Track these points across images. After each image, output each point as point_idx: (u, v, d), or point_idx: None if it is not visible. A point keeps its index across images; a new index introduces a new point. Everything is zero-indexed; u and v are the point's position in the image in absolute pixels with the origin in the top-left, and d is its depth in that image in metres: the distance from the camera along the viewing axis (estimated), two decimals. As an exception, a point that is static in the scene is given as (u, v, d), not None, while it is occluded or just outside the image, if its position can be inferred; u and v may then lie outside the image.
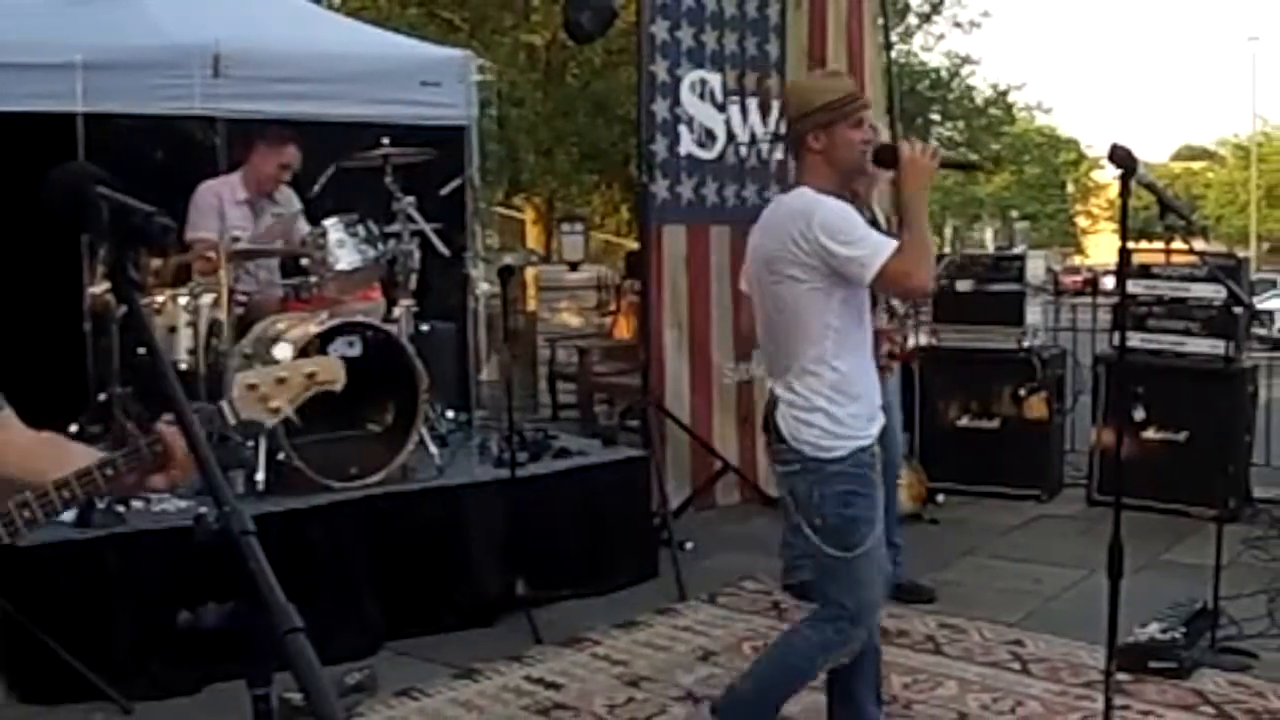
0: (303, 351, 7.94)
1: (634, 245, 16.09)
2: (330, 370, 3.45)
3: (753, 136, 11.35)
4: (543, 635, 8.00)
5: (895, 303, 9.44)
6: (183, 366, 8.27)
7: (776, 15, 11.51)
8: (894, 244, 5.29)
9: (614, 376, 14.48)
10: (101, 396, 8.72)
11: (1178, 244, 10.73)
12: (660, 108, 10.76)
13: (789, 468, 5.57)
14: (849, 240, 5.25)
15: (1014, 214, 66.26)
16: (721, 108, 11.17)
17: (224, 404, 3.25)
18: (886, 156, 5.52)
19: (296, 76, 10.77)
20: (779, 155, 11.40)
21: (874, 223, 8.78)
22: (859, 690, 5.88)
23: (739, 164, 11.29)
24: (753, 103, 11.37)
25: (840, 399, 5.44)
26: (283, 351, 3.30)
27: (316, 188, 9.63)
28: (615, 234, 33.48)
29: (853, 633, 5.52)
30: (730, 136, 11.24)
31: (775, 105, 11.39)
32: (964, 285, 11.95)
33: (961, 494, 11.62)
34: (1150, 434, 11.05)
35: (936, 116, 42.13)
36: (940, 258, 12.35)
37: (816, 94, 5.56)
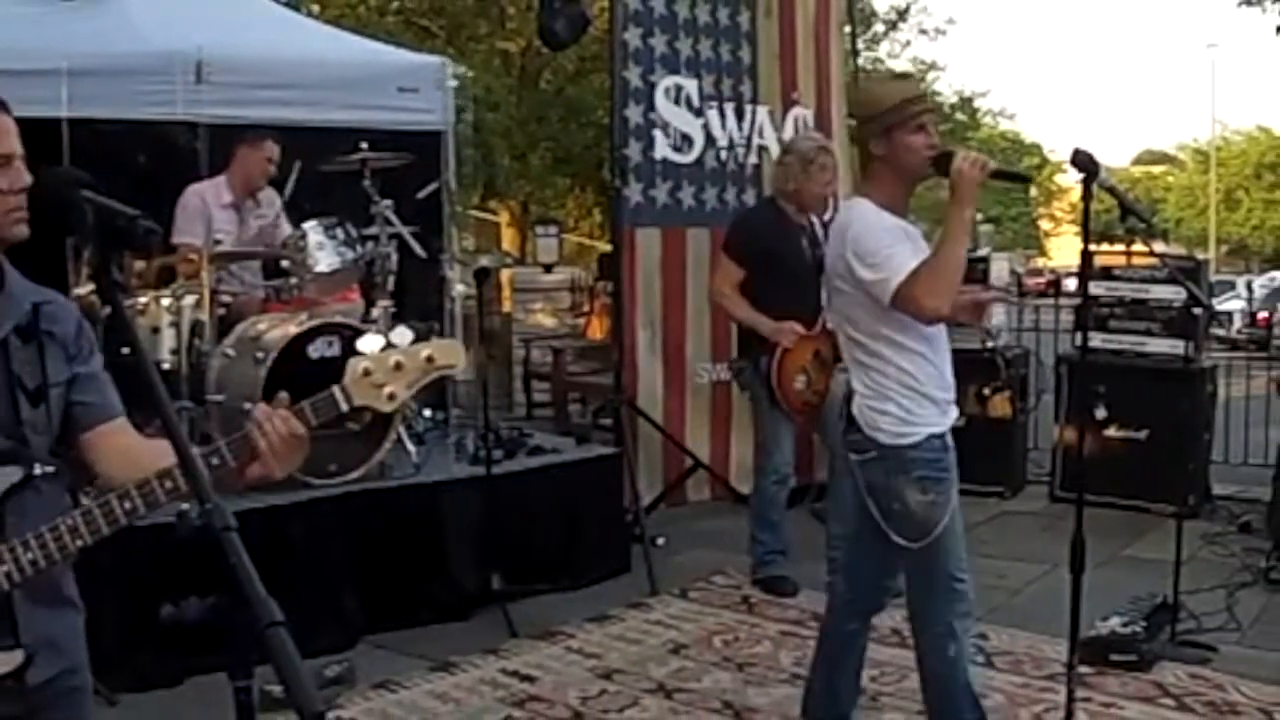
0: (284, 351, 8.00)
1: (607, 248, 16.10)
2: (450, 353, 3.26)
3: (730, 141, 11.36)
4: (518, 629, 8.02)
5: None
6: (166, 366, 8.25)
7: (747, 23, 11.52)
8: (911, 266, 5.20)
9: (587, 376, 14.49)
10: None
11: (1138, 246, 10.72)
12: (634, 113, 10.77)
13: (865, 455, 5.53)
14: (873, 263, 5.21)
15: (978, 217, 66.36)
16: (699, 113, 11.17)
17: (336, 390, 3.18)
18: (942, 164, 5.36)
19: (277, 82, 10.76)
20: (754, 160, 11.46)
21: (812, 234, 8.83)
22: (839, 682, 5.92)
23: (719, 167, 11.30)
24: (729, 108, 11.38)
25: (908, 393, 5.44)
26: (401, 335, 3.14)
27: (287, 192, 9.60)
28: (589, 237, 33.49)
29: (954, 620, 5.48)
30: (710, 140, 11.24)
31: (749, 110, 11.45)
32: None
33: (927, 491, 11.55)
34: (1111, 432, 11.08)
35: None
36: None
37: (877, 99, 5.46)
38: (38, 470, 3.01)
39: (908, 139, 5.31)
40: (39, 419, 3.06)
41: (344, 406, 3.17)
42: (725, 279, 8.82)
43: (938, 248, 5.26)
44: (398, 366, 3.17)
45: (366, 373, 3.15)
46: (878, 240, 5.23)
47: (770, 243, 8.70)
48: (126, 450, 3.16)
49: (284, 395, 3.14)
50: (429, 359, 3.20)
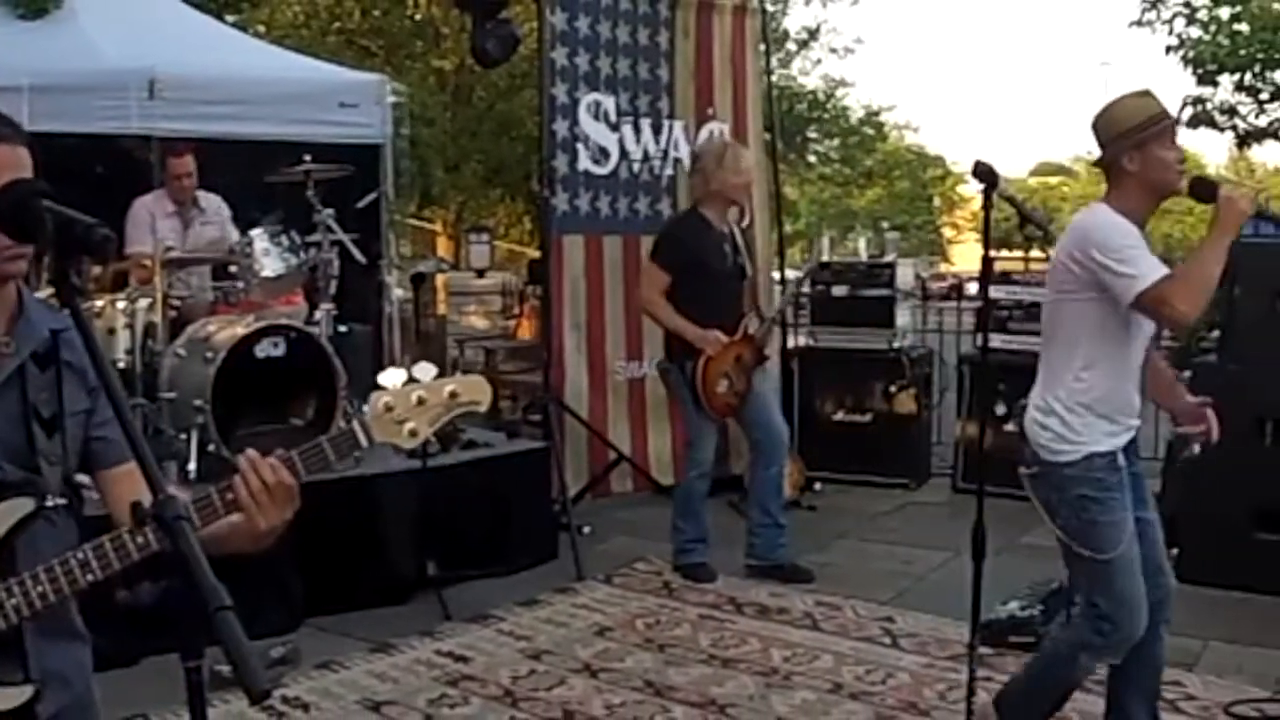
0: (233, 351, 7.98)
1: (536, 254, 16.12)
2: (475, 390, 3.04)
3: (645, 154, 11.37)
4: (452, 612, 8.02)
5: (761, 305, 9.50)
6: (121, 365, 8.28)
7: (666, 43, 11.52)
8: (1165, 270, 4.99)
9: (518, 374, 14.47)
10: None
11: (1036, 253, 10.78)
12: (560, 127, 10.77)
13: (1029, 470, 5.37)
14: (1122, 259, 4.97)
15: (885, 225, 66.31)
16: (615, 127, 11.17)
17: (357, 426, 2.97)
18: (1203, 190, 5.14)
19: (226, 98, 10.79)
20: (669, 171, 11.48)
21: (734, 241, 8.85)
22: (1130, 701, 5.55)
23: (632, 179, 11.29)
24: (645, 123, 11.39)
25: (1078, 409, 5.17)
26: (424, 371, 2.84)
27: (262, 226, 9.59)
28: (518, 243, 33.42)
29: (1113, 634, 5.18)
30: (624, 154, 11.24)
31: (666, 125, 11.48)
32: (839, 290, 12.00)
33: (837, 482, 11.68)
34: (1010, 427, 11.00)
35: (814, 135, 42.35)
36: (823, 265, 12.45)
37: (1127, 115, 5.24)
38: (50, 502, 2.90)
39: (1161, 154, 5.13)
40: (53, 450, 2.94)
41: (364, 443, 2.98)
42: (653, 286, 8.79)
43: (1197, 259, 5.05)
44: (420, 402, 2.97)
45: (388, 408, 2.96)
46: (1124, 238, 5.05)
47: (696, 251, 8.68)
48: (143, 495, 3.03)
49: (280, 452, 2.94)
50: (453, 394, 3.01)
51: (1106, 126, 5.24)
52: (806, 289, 11.98)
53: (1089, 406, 5.17)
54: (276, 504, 2.89)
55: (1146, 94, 5.33)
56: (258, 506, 2.88)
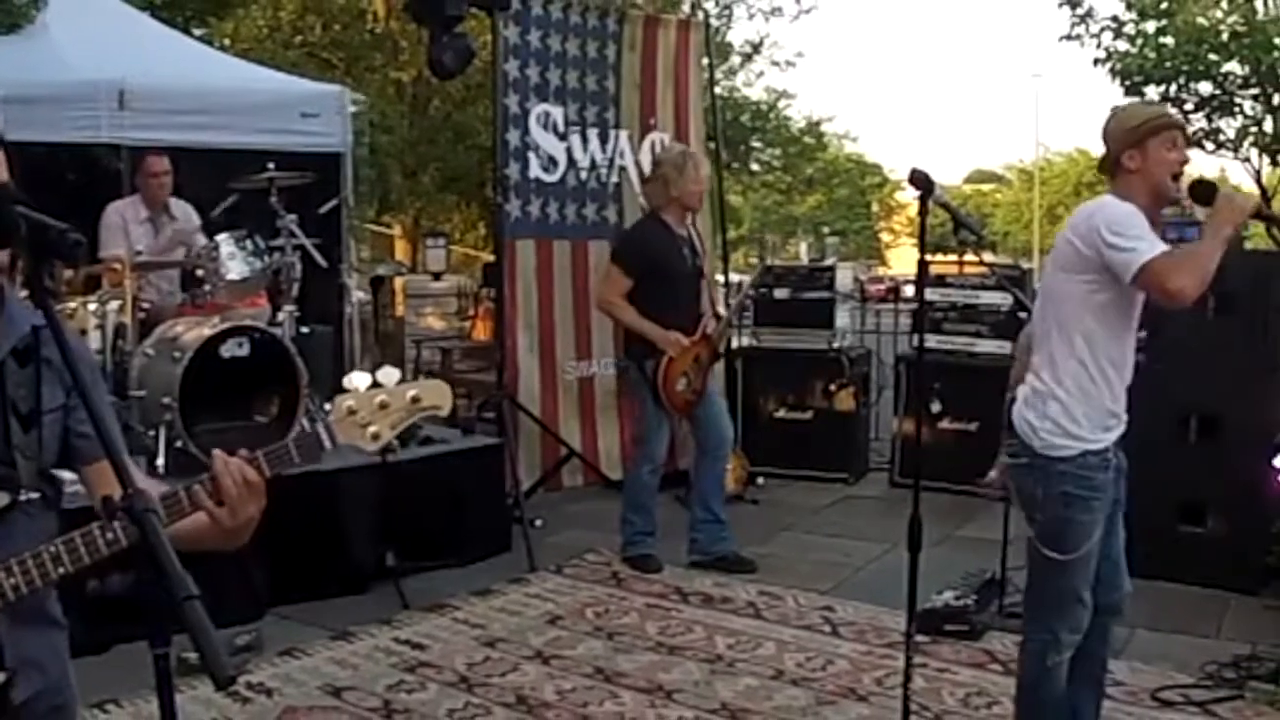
0: (199, 351, 7.97)
1: (490, 257, 16.10)
2: (436, 394, 3.02)
3: (593, 162, 11.40)
4: (410, 601, 8.01)
5: (720, 308, 9.50)
6: (92, 365, 8.24)
7: (613, 55, 11.55)
8: (1165, 246, 4.84)
9: (473, 374, 14.44)
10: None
11: (970, 257, 10.83)
12: (513, 136, 10.81)
13: (1017, 461, 5.22)
14: (1125, 235, 4.82)
15: (825, 230, 66.65)
16: (563, 137, 11.21)
17: (321, 429, 2.94)
18: (1202, 192, 5.08)
19: (192, 109, 10.80)
20: (614, 179, 11.53)
21: (691, 245, 8.86)
22: (1079, 691, 5.41)
23: (579, 186, 11.32)
24: (593, 133, 11.41)
25: (1079, 394, 5.01)
26: (387, 375, 2.82)
27: (217, 212, 9.56)
28: (473, 247, 33.33)
29: (1063, 634, 5.12)
30: (571, 162, 11.28)
31: (612, 135, 11.52)
32: (781, 293, 12.03)
33: (779, 477, 11.71)
34: (945, 424, 11.18)
35: (758, 144, 42.31)
36: (769, 269, 12.47)
37: (1130, 116, 5.17)
38: (23, 496, 2.87)
39: (1162, 152, 5.02)
40: (30, 444, 2.91)
41: (328, 445, 2.94)
42: (614, 288, 8.78)
43: (1196, 245, 4.90)
44: (383, 406, 2.95)
45: (351, 411, 2.94)
46: (1129, 221, 4.87)
47: (657, 254, 8.70)
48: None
49: (244, 452, 2.89)
50: (415, 399, 2.98)
51: (1113, 128, 5.17)
52: (753, 292, 12.02)
53: (1088, 393, 5.03)
54: (244, 501, 2.85)
55: (1155, 104, 5.29)
56: (228, 503, 2.84)
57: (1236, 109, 11.76)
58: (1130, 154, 5.06)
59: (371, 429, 2.95)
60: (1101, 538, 5.14)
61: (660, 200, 8.90)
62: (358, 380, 2.97)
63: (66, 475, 3.02)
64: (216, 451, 2.87)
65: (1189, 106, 12.46)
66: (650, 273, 8.67)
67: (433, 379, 3.10)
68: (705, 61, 12.63)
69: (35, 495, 2.89)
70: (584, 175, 11.37)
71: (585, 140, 11.41)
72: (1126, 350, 5.12)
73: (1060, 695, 5.26)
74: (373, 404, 2.95)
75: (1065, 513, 5.02)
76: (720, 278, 12.20)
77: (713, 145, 12.86)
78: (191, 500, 2.82)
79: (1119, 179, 5.12)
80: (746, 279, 13.42)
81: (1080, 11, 14.02)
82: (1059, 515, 5.04)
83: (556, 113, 11.20)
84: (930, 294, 11.02)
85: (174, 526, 2.75)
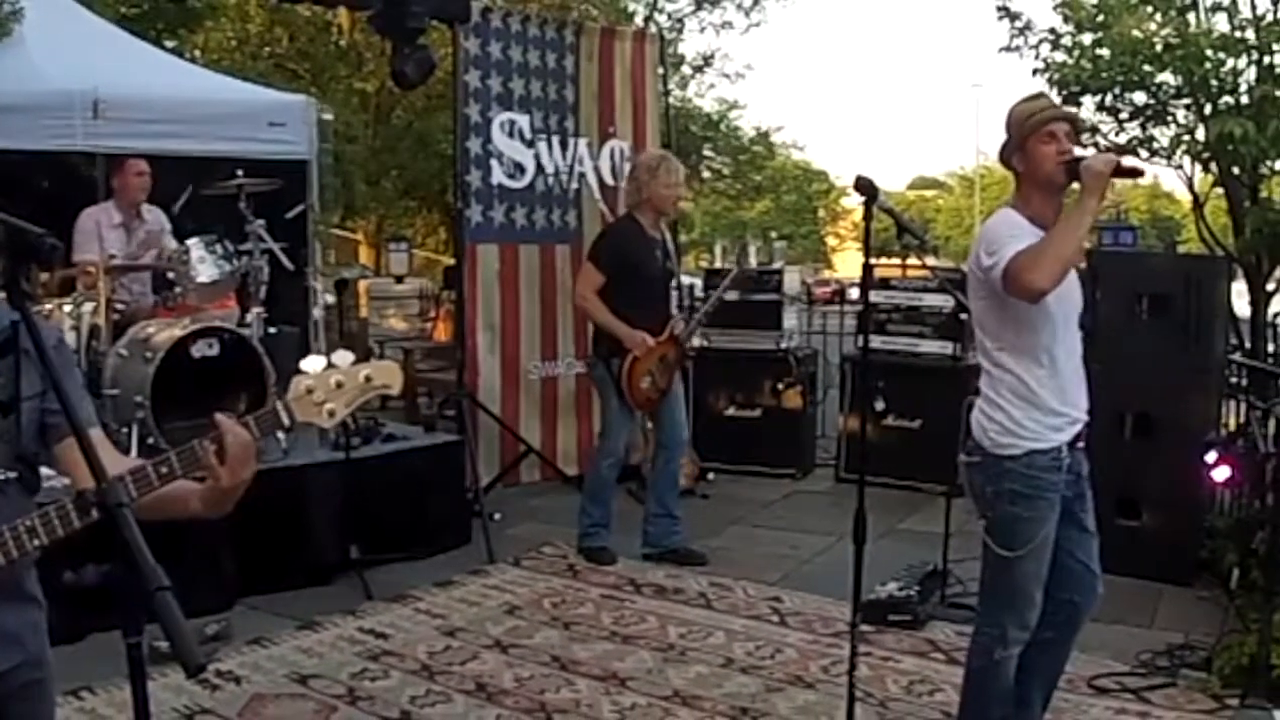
0: (171, 351, 7.95)
1: (451, 261, 16.02)
2: (387, 374, 3.09)
3: (556, 169, 11.41)
4: (373, 592, 8.01)
5: (679, 312, 9.49)
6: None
7: (572, 66, 11.56)
8: (1026, 243, 4.77)
9: (434, 373, 14.43)
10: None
11: (913, 261, 10.85)
12: (474, 144, 10.82)
13: (970, 459, 5.16)
14: (995, 250, 4.80)
15: (774, 235, 66.63)
16: (530, 144, 11.22)
17: (279, 407, 2.99)
18: (1072, 171, 4.91)
19: (164, 118, 10.74)
20: (575, 185, 11.55)
21: (664, 247, 8.86)
22: (1030, 686, 5.36)
23: (547, 192, 11.34)
24: (555, 140, 11.43)
25: (1019, 403, 4.96)
26: (342, 357, 2.90)
27: (176, 207, 9.59)
28: (435, 252, 33.30)
29: (1011, 630, 5.09)
30: (539, 169, 11.30)
31: (571, 142, 11.56)
32: (731, 295, 12.04)
33: (729, 472, 11.73)
34: (889, 422, 11.21)
35: (709, 153, 42.37)
36: (724, 273, 12.49)
37: (1011, 120, 5.09)
38: (1, 476, 2.88)
39: (1040, 149, 4.95)
40: (8, 429, 2.91)
41: (286, 422, 3.00)
42: (588, 284, 8.78)
43: (1052, 231, 4.81)
44: (338, 385, 3.01)
45: (309, 390, 2.99)
46: (998, 234, 4.87)
47: (630, 254, 8.70)
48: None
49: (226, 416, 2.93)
50: (367, 379, 3.05)
51: (1005, 135, 5.13)
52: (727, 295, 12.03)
53: (1028, 399, 4.97)
54: (242, 461, 2.89)
55: (1033, 97, 5.17)
56: (229, 460, 2.87)
57: (1170, 118, 11.85)
58: (1017, 158, 5.07)
59: (328, 406, 3.01)
60: (1074, 539, 5.16)
61: (634, 201, 8.91)
62: (314, 363, 3.02)
63: (45, 471, 3.02)
64: (218, 415, 2.91)
65: (1124, 115, 12.55)
66: (622, 271, 8.67)
67: (384, 360, 3.13)
68: (660, 72, 12.64)
69: (13, 475, 2.89)
70: (550, 181, 11.38)
71: (550, 147, 11.42)
72: (1060, 352, 5.02)
73: (1006, 687, 5.23)
74: (329, 384, 3.01)
75: (1012, 509, 4.99)
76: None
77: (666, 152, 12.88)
78: (197, 457, 2.85)
79: (1016, 184, 5.13)
80: (698, 281, 13.41)
81: (1019, 24, 14.13)
82: (1006, 512, 5.01)
83: (523, 120, 11.22)
84: (874, 296, 11.06)
85: (163, 491, 2.82)
